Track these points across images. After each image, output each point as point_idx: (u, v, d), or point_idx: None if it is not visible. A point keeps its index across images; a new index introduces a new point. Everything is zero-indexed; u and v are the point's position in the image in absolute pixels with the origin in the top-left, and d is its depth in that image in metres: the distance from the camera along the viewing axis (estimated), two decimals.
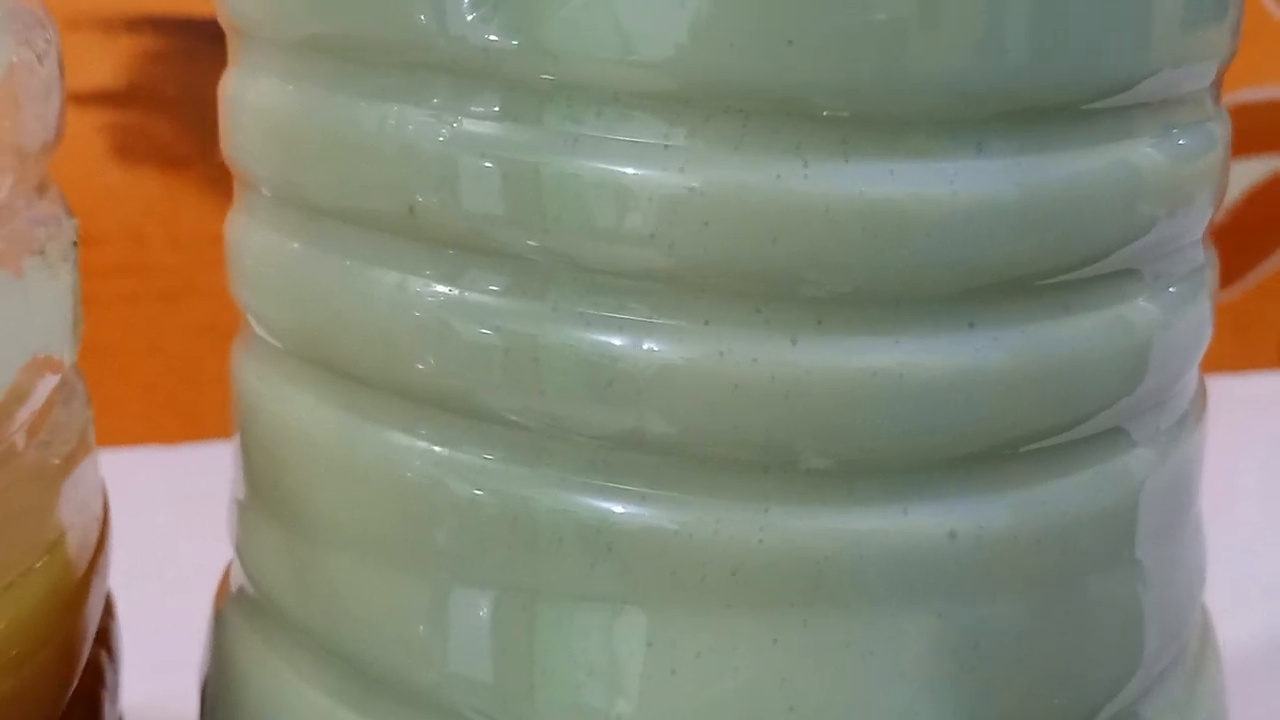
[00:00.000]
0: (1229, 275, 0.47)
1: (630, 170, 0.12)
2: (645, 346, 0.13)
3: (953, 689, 0.13)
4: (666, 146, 0.12)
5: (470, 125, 0.13)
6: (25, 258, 0.13)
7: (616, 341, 0.13)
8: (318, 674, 0.14)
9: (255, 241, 0.15)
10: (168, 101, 0.38)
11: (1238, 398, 0.39)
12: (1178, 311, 0.14)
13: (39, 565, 0.14)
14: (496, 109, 0.13)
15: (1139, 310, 0.14)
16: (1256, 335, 0.47)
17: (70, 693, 0.15)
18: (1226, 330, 0.46)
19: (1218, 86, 0.15)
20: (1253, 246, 0.47)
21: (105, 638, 0.16)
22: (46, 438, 0.14)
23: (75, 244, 0.15)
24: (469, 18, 0.13)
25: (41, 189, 0.15)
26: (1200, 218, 0.14)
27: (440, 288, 0.13)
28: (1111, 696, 0.14)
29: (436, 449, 0.13)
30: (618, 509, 0.13)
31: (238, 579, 0.16)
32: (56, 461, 0.14)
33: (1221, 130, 0.14)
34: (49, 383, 0.14)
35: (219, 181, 0.40)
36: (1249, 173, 0.46)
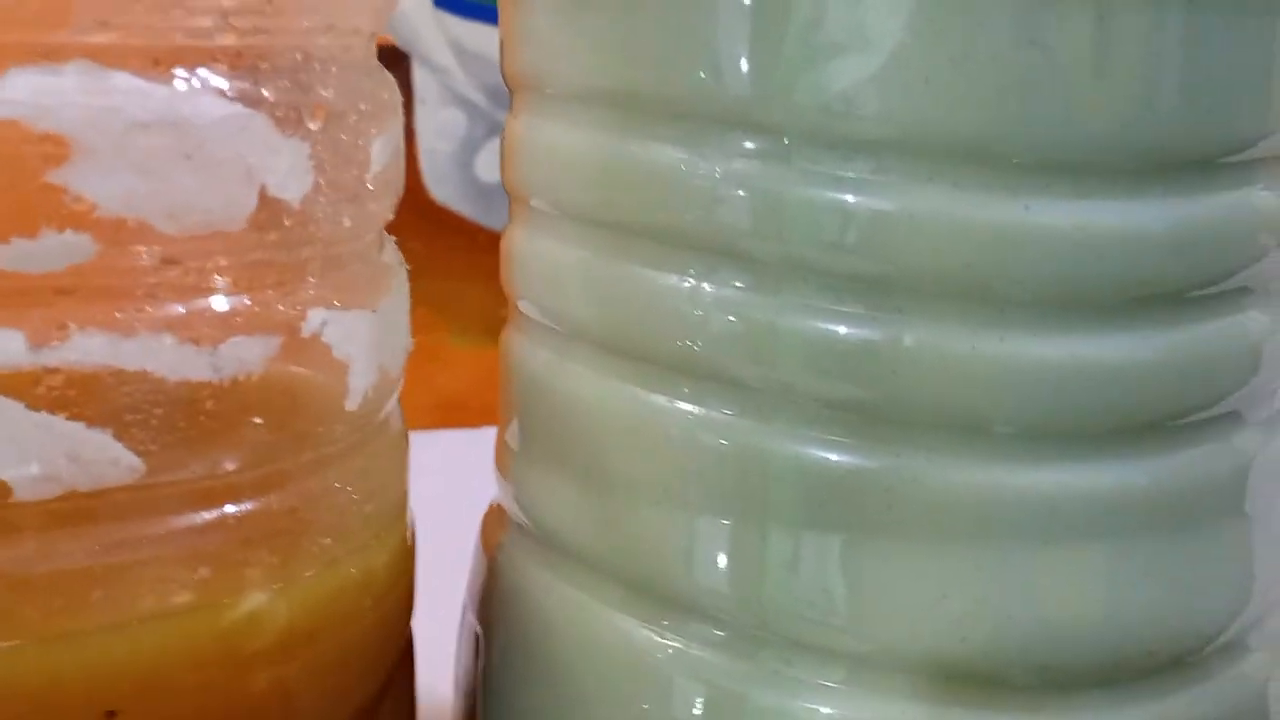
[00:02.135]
0: None
1: (849, 198, 0.16)
2: (856, 333, 0.16)
3: (1104, 612, 0.17)
4: (877, 181, 0.16)
5: (730, 164, 0.17)
6: (398, 267, 0.16)
7: (834, 328, 0.16)
8: (601, 590, 0.18)
9: (541, 250, 0.19)
10: None
11: None
12: None
13: (397, 519, 0.18)
14: (753, 151, 0.16)
15: (1253, 319, 0.17)
16: None
17: (407, 635, 0.18)
18: None
19: None
20: None
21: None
22: (396, 416, 0.18)
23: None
24: (736, 80, 0.16)
25: None
26: None
27: (701, 285, 0.17)
28: (1226, 626, 0.18)
29: (693, 410, 0.17)
30: (832, 457, 0.17)
31: (517, 524, 0.20)
32: (403, 433, 0.17)
33: None
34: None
35: None
36: None
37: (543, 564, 0.19)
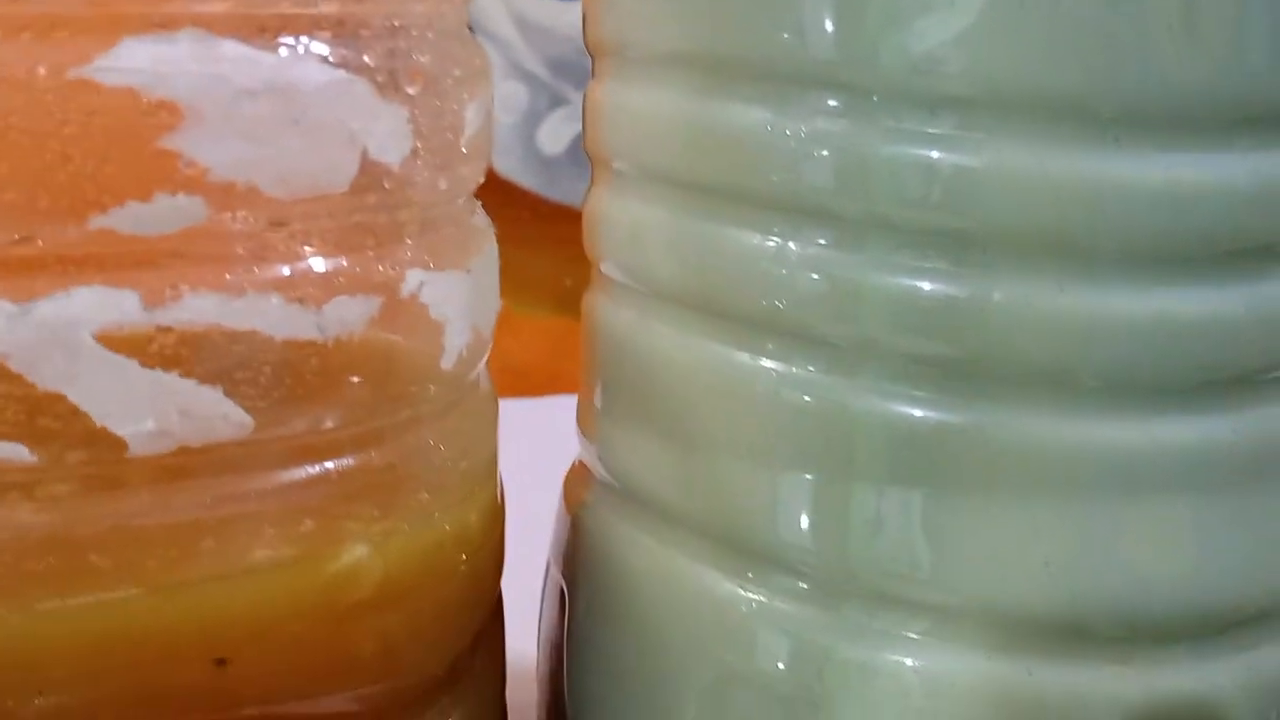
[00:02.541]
0: None
1: (935, 154, 0.16)
2: (943, 290, 0.16)
3: (1192, 564, 0.17)
4: (963, 137, 0.16)
5: (814, 123, 0.17)
6: (488, 228, 0.17)
7: (919, 284, 0.16)
8: (685, 544, 0.18)
9: (625, 212, 0.19)
10: None
11: None
12: None
13: (488, 477, 0.18)
14: (836, 109, 0.17)
15: None
16: None
17: (497, 592, 0.18)
18: None
19: None
20: None
21: None
22: (486, 376, 0.18)
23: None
24: (820, 40, 0.16)
25: None
26: None
27: (783, 244, 0.17)
28: None
29: (777, 366, 0.17)
30: (917, 412, 0.17)
31: (601, 481, 0.20)
32: (493, 393, 0.18)
33: None
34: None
35: None
36: None
37: (627, 520, 0.19)
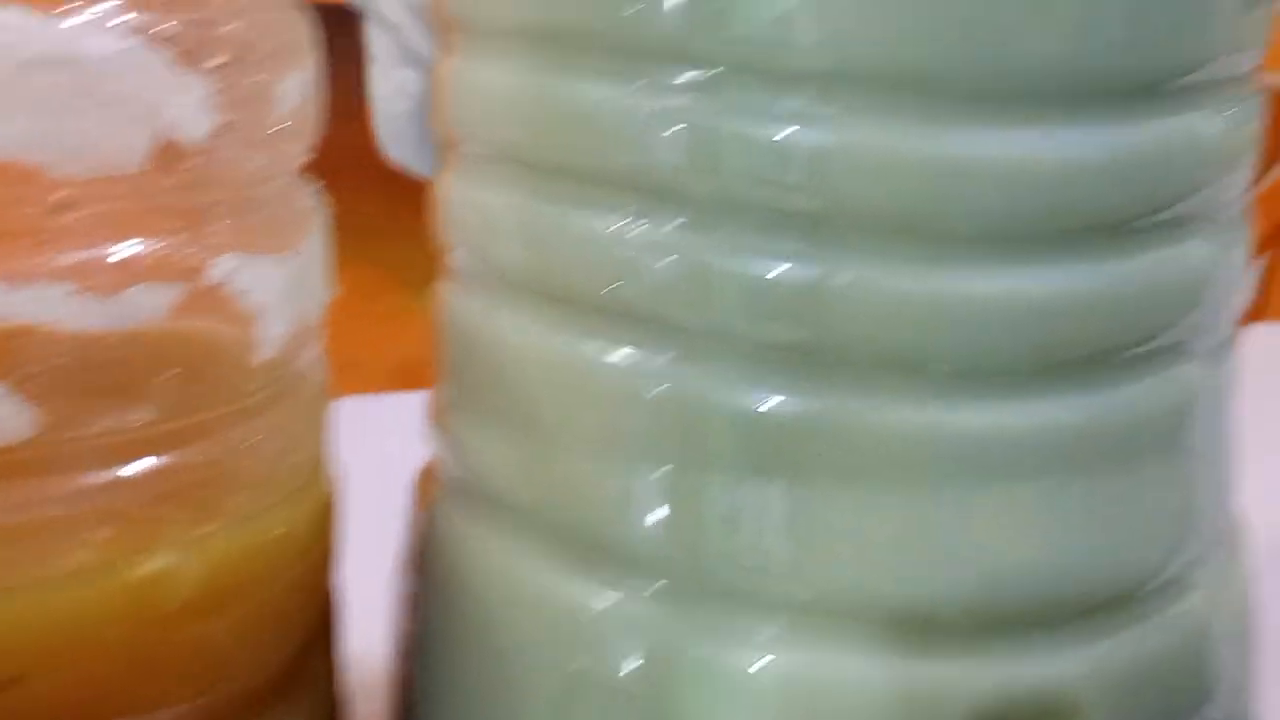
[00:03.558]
0: None
1: (786, 132, 0.16)
2: (795, 272, 0.16)
3: (1045, 550, 0.16)
4: (815, 114, 0.16)
5: (666, 99, 0.16)
6: (317, 210, 0.16)
7: (774, 268, 0.16)
8: (534, 544, 0.18)
9: (473, 197, 0.18)
10: None
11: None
12: (1224, 252, 0.17)
13: (317, 474, 0.17)
14: (685, 86, 0.16)
15: (1195, 251, 0.17)
16: None
17: (331, 592, 0.17)
18: None
19: (1259, 69, 0.18)
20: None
21: None
22: (316, 368, 0.17)
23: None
24: (666, 14, 0.16)
25: None
26: (1244, 177, 0.18)
27: (634, 226, 0.16)
28: (1169, 560, 0.17)
29: (628, 356, 0.17)
30: (772, 400, 0.16)
31: (450, 477, 0.19)
32: (323, 385, 0.17)
33: (1260, 104, 0.18)
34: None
35: None
36: None
37: (477, 519, 0.19)
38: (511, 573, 0.18)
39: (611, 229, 0.16)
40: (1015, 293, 0.16)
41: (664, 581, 0.17)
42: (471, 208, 0.18)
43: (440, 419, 0.20)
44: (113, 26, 0.13)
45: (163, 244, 0.14)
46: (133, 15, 0.13)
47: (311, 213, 0.16)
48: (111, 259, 0.13)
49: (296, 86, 0.15)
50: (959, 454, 0.16)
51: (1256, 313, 0.51)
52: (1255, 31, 0.17)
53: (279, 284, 0.15)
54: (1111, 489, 0.17)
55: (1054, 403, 0.16)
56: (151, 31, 0.13)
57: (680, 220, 0.16)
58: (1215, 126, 0.17)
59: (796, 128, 0.15)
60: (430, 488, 0.20)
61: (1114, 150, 0.16)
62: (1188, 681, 0.18)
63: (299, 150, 0.15)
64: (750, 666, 0.16)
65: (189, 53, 0.14)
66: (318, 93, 0.16)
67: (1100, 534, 0.17)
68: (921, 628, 0.16)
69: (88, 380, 0.13)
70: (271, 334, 0.15)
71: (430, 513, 0.20)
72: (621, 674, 0.17)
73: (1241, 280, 0.18)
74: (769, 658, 0.16)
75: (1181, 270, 0.17)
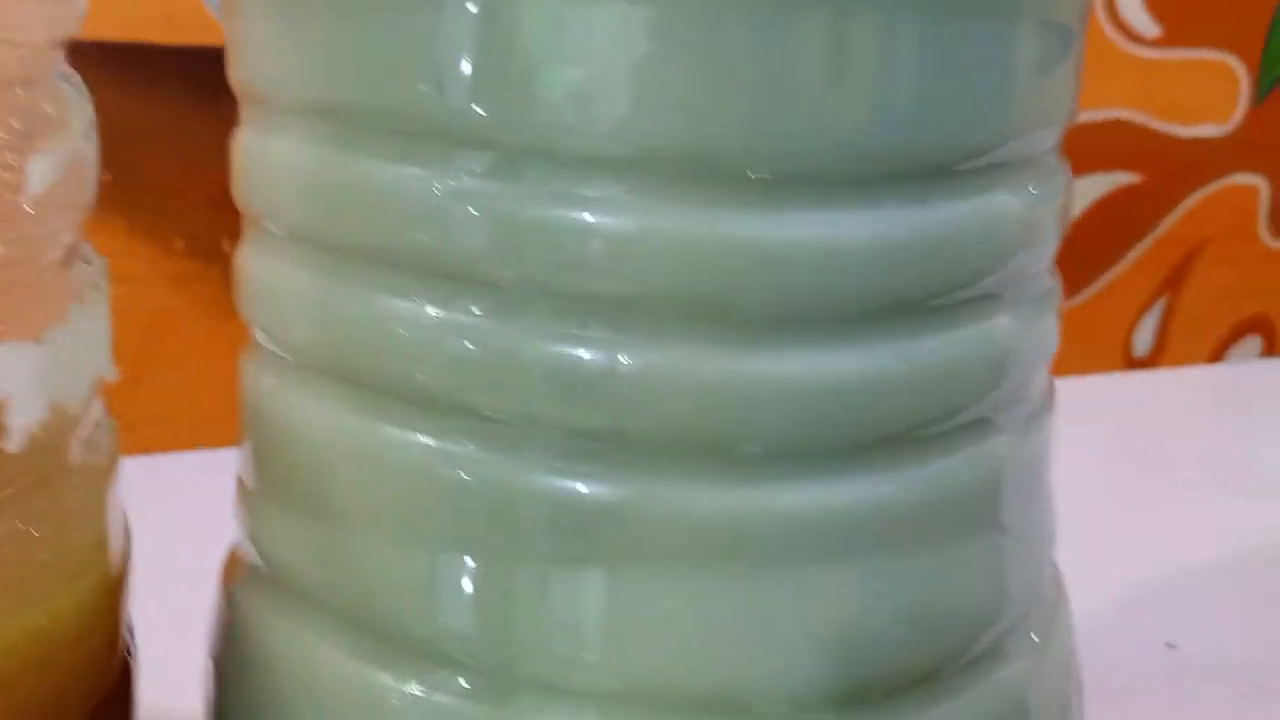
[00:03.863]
0: (1075, 284, 0.51)
1: (589, 218, 0.15)
2: (602, 357, 0.16)
3: (858, 630, 0.16)
4: (616, 199, 0.15)
5: (461, 182, 0.16)
6: (87, 290, 0.15)
7: (579, 353, 0.16)
8: (333, 634, 0.17)
9: (269, 273, 0.18)
10: None
11: (1083, 398, 0.43)
12: (1030, 326, 0.17)
13: (91, 561, 0.16)
14: (482, 169, 0.16)
15: (999, 325, 0.17)
16: (1101, 340, 0.52)
17: (115, 671, 0.17)
18: (1073, 335, 0.50)
19: (1061, 145, 0.18)
20: (1097, 257, 0.51)
21: (130, 631, 0.19)
22: (93, 448, 0.17)
23: (107, 278, 0.17)
24: (461, 93, 0.15)
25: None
26: (1048, 250, 0.18)
27: (434, 311, 0.16)
28: (982, 633, 0.17)
29: (430, 442, 0.16)
30: (581, 487, 0.16)
31: (250, 561, 0.18)
32: (104, 467, 0.16)
33: (1063, 179, 0.18)
34: (99, 400, 0.16)
35: (103, 200, 0.41)
36: (1092, 188, 0.50)
37: (273, 605, 0.18)
38: (306, 662, 0.17)
39: (410, 313, 0.16)
40: (820, 374, 0.16)
41: (470, 673, 0.16)
42: (265, 284, 0.18)
43: (240, 500, 0.19)
44: None
45: None
46: None
47: (80, 291, 0.16)
48: None
49: (48, 166, 0.14)
50: (768, 537, 0.16)
51: (1156, 351, 0.52)
52: (1053, 111, 0.17)
53: (26, 371, 0.14)
54: (923, 565, 0.17)
55: (863, 482, 0.16)
56: None
57: (483, 305, 0.16)
58: (1016, 203, 0.17)
59: (596, 213, 0.15)
60: (233, 567, 0.19)
61: (912, 230, 0.16)
62: None
63: (57, 229, 0.15)
64: None
65: None
66: (83, 167, 0.15)
67: (914, 611, 0.17)
68: (734, 715, 0.16)
69: None
70: (20, 423, 0.14)
71: (231, 593, 0.19)
72: None
73: (1048, 353, 0.18)
74: None
75: (986, 346, 0.17)
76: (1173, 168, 0.50)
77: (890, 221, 0.16)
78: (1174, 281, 0.51)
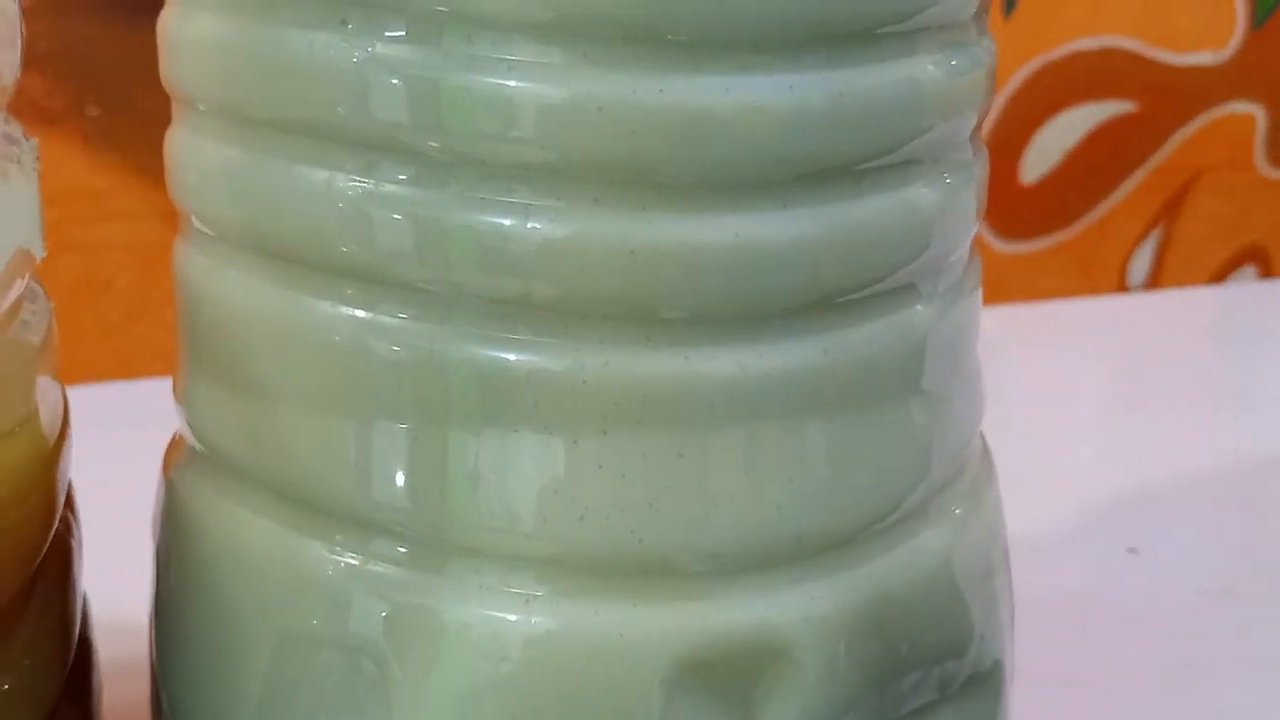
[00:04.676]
0: (1070, 214, 0.51)
1: (512, 83, 0.15)
2: (528, 224, 0.16)
3: (776, 492, 0.17)
4: (540, 64, 0.15)
5: (380, 48, 0.16)
6: (7, 164, 0.15)
7: (505, 221, 0.16)
8: (268, 508, 0.17)
9: (196, 151, 0.18)
10: (39, 57, 0.37)
11: (1079, 320, 0.43)
12: (952, 195, 0.18)
13: (19, 429, 0.17)
14: (402, 34, 0.16)
15: (921, 194, 0.17)
16: (1097, 269, 0.51)
17: (49, 540, 0.17)
18: (1071, 264, 0.50)
19: (982, 16, 0.18)
20: (1091, 188, 0.51)
21: (70, 504, 0.19)
22: (21, 325, 0.17)
23: (38, 159, 0.17)
24: None
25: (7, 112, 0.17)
26: (969, 121, 0.18)
27: (359, 181, 0.16)
28: (902, 499, 0.18)
29: (360, 314, 0.16)
30: (510, 356, 0.16)
31: (188, 444, 0.19)
32: (34, 343, 0.17)
33: (985, 52, 0.18)
34: (26, 276, 0.17)
35: (94, 136, 0.41)
36: (1087, 118, 0.50)
37: (210, 484, 0.18)
38: (242, 537, 0.17)
39: (334, 185, 0.16)
40: (743, 239, 0.16)
41: (406, 541, 0.17)
42: (193, 163, 0.18)
43: (176, 385, 0.19)
44: None
45: None
46: None
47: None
48: None
49: None
50: (692, 401, 0.16)
51: (1152, 281, 0.51)
52: None
53: None
54: (844, 430, 0.17)
55: (786, 346, 0.16)
56: None
57: (409, 174, 0.16)
58: (937, 72, 0.17)
59: (521, 80, 0.15)
60: (173, 452, 0.20)
61: (834, 96, 0.16)
62: (926, 621, 0.18)
63: None
64: (491, 621, 0.16)
65: None
66: (5, 33, 0.15)
67: (835, 474, 0.17)
68: (660, 575, 0.16)
69: None
70: None
71: (171, 477, 0.19)
72: (355, 634, 0.17)
73: (971, 224, 0.18)
74: (511, 613, 0.16)
75: (908, 213, 0.17)
76: (1168, 96, 0.50)
77: (811, 86, 0.16)
78: (1170, 211, 0.51)
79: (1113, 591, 0.28)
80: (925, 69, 0.17)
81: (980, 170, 0.18)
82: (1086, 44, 0.48)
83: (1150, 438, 0.35)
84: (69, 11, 0.38)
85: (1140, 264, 0.51)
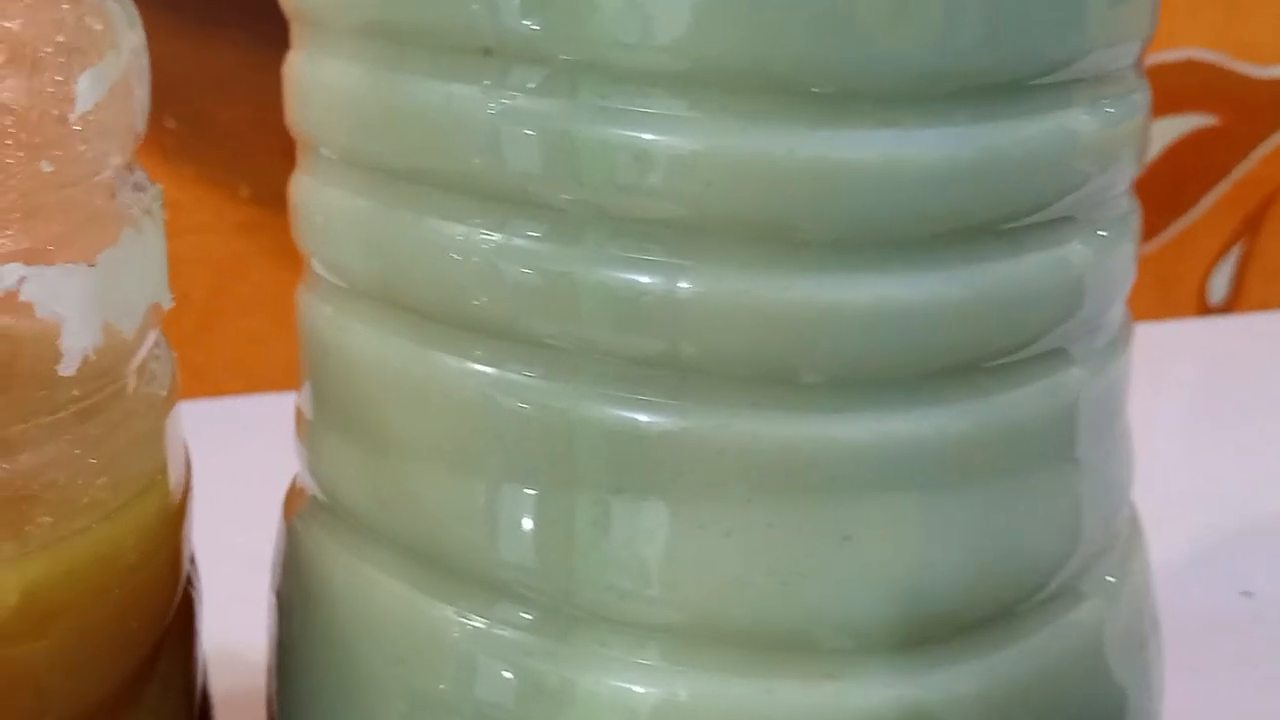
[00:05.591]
0: (1149, 229, 0.50)
1: (647, 136, 0.15)
2: (661, 282, 0.15)
3: (926, 564, 0.16)
4: (675, 117, 0.15)
5: (514, 100, 0.15)
6: (140, 216, 0.15)
7: (637, 278, 0.15)
8: (394, 566, 0.17)
9: (324, 199, 0.17)
10: None
11: (1157, 344, 0.42)
12: (1107, 251, 0.17)
13: (149, 488, 0.16)
14: (535, 86, 0.15)
15: (1075, 251, 0.16)
16: (1176, 286, 0.50)
17: (177, 600, 0.17)
18: (1148, 281, 0.49)
19: (1140, 61, 0.17)
20: (1172, 201, 0.50)
21: (192, 562, 0.19)
22: (150, 378, 0.16)
23: (163, 206, 0.17)
24: (514, 7, 0.15)
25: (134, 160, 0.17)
26: (1126, 173, 0.17)
27: (490, 235, 0.16)
28: (1055, 571, 0.17)
29: (488, 370, 0.16)
30: (641, 417, 0.15)
31: (310, 493, 0.18)
32: (161, 395, 0.16)
33: (1142, 98, 0.17)
34: (155, 329, 0.16)
35: (172, 150, 0.40)
36: (1168, 131, 0.49)
37: (335, 537, 0.18)
38: (367, 595, 0.17)
39: (465, 238, 0.16)
40: (884, 299, 0.15)
41: (531, 606, 0.16)
42: (321, 212, 0.17)
43: (300, 432, 0.19)
44: None
45: None
46: None
47: (131, 216, 0.15)
48: None
49: (97, 82, 0.14)
50: (831, 468, 0.15)
51: (1232, 298, 0.51)
52: (1132, 24, 0.16)
53: (80, 293, 0.14)
54: (994, 500, 0.16)
55: (928, 413, 0.16)
56: None
57: (541, 229, 0.15)
58: (1090, 124, 0.16)
59: (655, 133, 0.15)
60: (295, 500, 0.19)
61: (982, 150, 0.15)
62: (1079, 698, 0.17)
63: (105, 150, 0.15)
64: (627, 696, 0.16)
65: None
66: (131, 88, 0.15)
67: (984, 547, 0.16)
68: (799, 649, 0.16)
69: None
70: (75, 346, 0.14)
71: (293, 526, 0.19)
72: (488, 703, 0.16)
73: (1126, 280, 0.17)
74: (640, 684, 0.16)
75: (1059, 272, 0.16)
76: (1250, 109, 0.49)
77: (959, 140, 0.15)
78: (1251, 226, 0.50)
79: (1227, 638, 0.27)
80: (1080, 119, 0.16)
81: (1136, 223, 0.18)
82: (1168, 56, 0.47)
83: (1245, 470, 0.34)
84: (145, 25, 0.38)
85: (1220, 280, 0.50)
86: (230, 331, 0.41)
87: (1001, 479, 0.16)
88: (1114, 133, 0.16)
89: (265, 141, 0.40)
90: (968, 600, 0.16)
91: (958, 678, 0.16)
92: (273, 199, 0.41)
